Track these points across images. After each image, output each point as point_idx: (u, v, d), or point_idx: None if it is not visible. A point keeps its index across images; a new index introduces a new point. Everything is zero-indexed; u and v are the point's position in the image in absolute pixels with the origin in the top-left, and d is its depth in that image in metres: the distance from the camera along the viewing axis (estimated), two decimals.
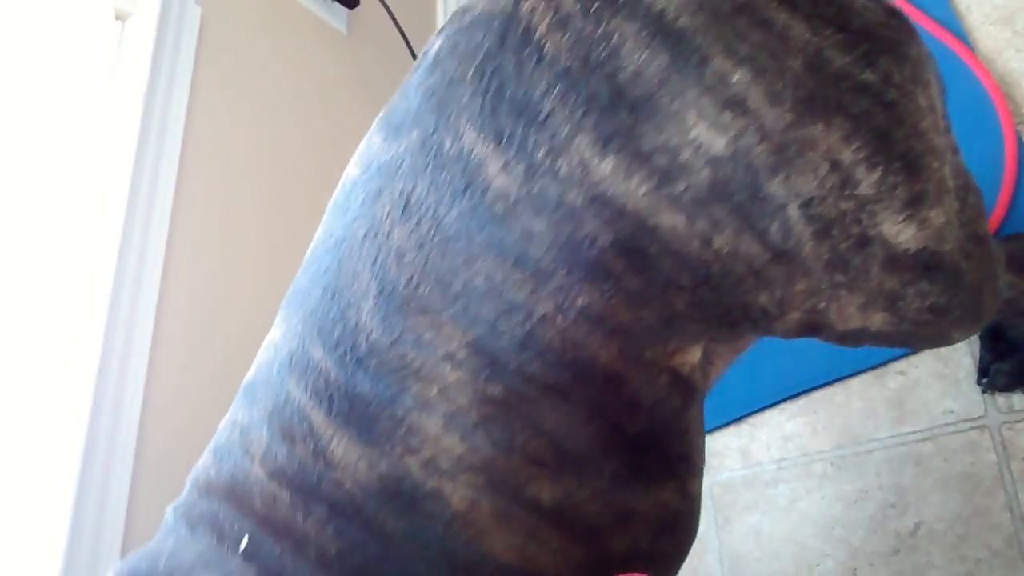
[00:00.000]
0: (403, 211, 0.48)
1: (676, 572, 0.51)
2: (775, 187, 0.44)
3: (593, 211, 0.44)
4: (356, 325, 0.47)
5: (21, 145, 0.93)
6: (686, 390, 0.50)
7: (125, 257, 0.95)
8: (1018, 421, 0.79)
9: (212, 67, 1.17)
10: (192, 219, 1.07)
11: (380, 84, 1.50)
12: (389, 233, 0.48)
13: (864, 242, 0.46)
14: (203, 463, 0.51)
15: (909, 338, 0.53)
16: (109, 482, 0.86)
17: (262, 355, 0.53)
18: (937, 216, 0.49)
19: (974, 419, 0.82)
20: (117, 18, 1.10)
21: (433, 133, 0.48)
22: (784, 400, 0.97)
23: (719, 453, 1.02)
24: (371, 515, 0.43)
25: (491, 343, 0.45)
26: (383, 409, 0.45)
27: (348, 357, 0.47)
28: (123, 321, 0.92)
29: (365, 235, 0.49)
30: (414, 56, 1.50)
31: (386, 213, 0.49)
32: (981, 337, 0.81)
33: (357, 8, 1.49)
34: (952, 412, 0.84)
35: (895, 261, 0.48)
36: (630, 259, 0.45)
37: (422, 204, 0.47)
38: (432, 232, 0.47)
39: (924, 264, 0.49)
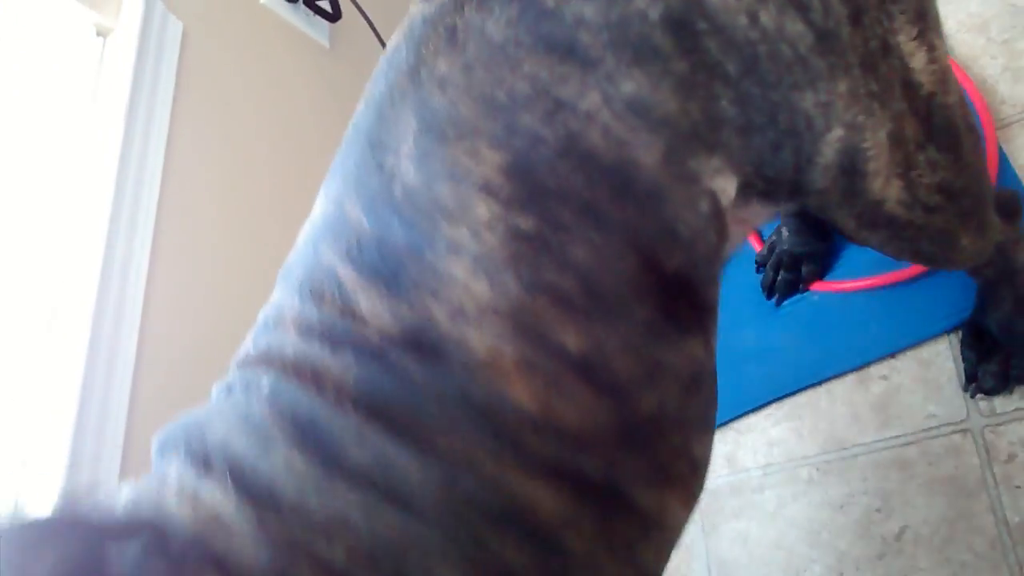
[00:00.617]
0: (448, 41, 0.48)
1: (708, 441, 0.50)
2: None
3: None
4: (392, 172, 0.47)
5: (2, 162, 0.93)
6: (721, 227, 0.50)
7: (108, 274, 0.94)
8: (1000, 424, 0.79)
9: (194, 82, 1.17)
10: (175, 234, 1.06)
11: None
12: (433, 67, 0.48)
13: (887, 49, 0.50)
14: (242, 346, 0.51)
15: (919, 234, 0.56)
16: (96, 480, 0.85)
17: (299, 237, 0.53)
18: (941, 52, 0.53)
19: (957, 423, 0.82)
20: (98, 34, 1.10)
21: None
22: (769, 404, 0.98)
23: None
24: (394, 362, 0.43)
25: (530, 157, 0.45)
26: (413, 258, 0.45)
27: (382, 207, 0.46)
28: (106, 340, 0.92)
29: (409, 78, 0.49)
30: None
31: (430, 51, 0.49)
32: (963, 339, 0.82)
33: (339, 22, 1.49)
34: (935, 416, 0.84)
35: (912, 91, 0.52)
36: (679, 37, 0.46)
37: (468, 27, 0.48)
38: (479, 50, 0.47)
39: (934, 120, 0.53)
